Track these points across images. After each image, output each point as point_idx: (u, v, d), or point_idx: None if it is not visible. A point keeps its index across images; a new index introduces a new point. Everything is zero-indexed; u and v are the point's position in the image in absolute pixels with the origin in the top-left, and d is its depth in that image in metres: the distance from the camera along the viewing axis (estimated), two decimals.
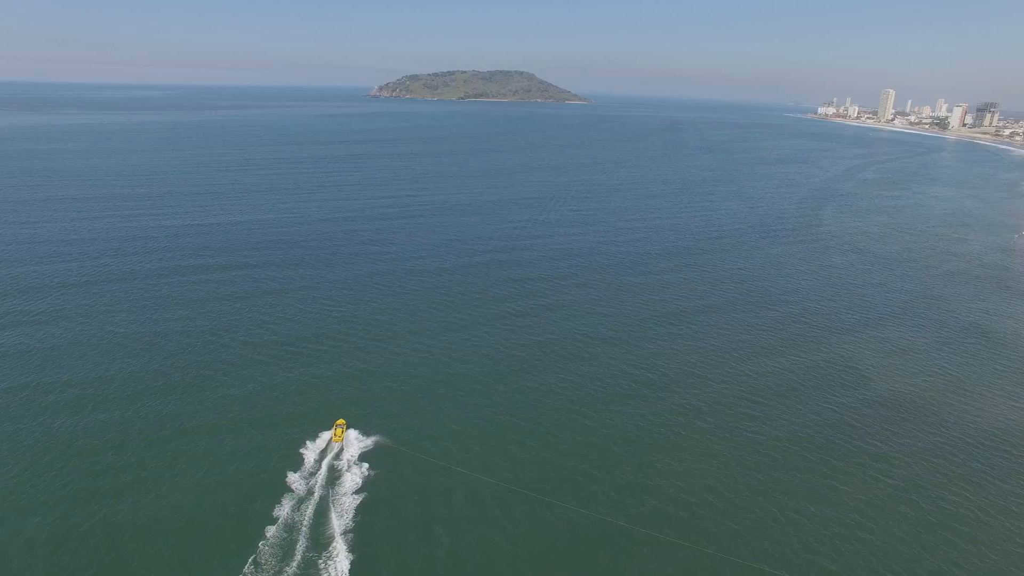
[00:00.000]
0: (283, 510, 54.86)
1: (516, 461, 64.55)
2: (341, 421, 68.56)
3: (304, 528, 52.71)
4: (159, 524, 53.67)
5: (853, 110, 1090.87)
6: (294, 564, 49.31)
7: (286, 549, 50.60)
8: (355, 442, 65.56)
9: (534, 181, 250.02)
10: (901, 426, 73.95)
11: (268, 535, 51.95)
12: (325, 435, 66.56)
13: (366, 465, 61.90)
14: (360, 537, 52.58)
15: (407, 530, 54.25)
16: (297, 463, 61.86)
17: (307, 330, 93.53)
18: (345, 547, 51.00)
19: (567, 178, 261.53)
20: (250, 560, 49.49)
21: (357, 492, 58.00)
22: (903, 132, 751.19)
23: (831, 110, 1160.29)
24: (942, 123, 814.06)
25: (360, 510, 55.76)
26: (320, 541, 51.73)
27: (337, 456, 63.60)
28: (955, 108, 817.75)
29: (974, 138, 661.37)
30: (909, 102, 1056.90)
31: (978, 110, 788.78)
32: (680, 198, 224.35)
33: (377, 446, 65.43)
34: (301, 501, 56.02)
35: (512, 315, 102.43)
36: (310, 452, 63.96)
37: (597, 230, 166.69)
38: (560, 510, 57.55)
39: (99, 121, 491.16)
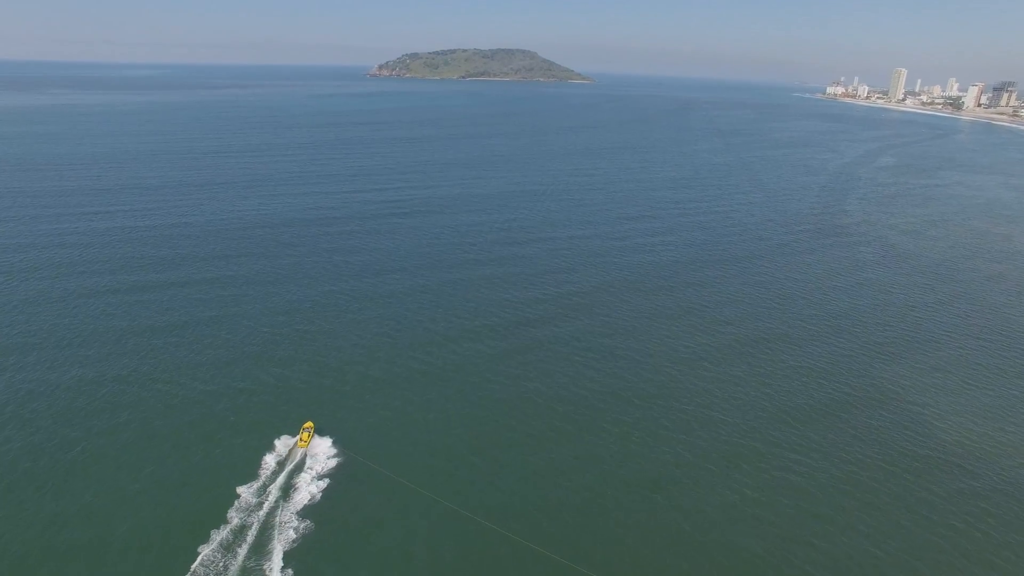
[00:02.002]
0: (232, 521, 50.68)
1: (500, 497, 56.72)
2: (309, 424, 62.53)
3: (249, 540, 48.90)
4: (93, 538, 49.97)
5: (863, 90, 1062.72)
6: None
7: (228, 560, 47.18)
8: (322, 450, 59.84)
9: (535, 170, 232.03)
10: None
11: (207, 549, 48.14)
12: (289, 440, 60.90)
13: (328, 479, 56.37)
14: (305, 553, 48.69)
15: (361, 553, 49.73)
16: (254, 471, 56.89)
17: (256, 370, 77.83)
18: (282, 559, 47.34)
19: (571, 166, 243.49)
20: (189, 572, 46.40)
21: (314, 504, 53.35)
22: (916, 112, 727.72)
23: (840, 90, 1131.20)
24: (956, 103, 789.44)
25: (313, 524, 51.26)
26: (264, 555, 47.90)
27: (300, 465, 57.57)
28: (970, 87, 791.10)
29: (991, 119, 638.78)
30: (919, 81, 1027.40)
31: (995, 89, 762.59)
32: (693, 189, 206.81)
33: (344, 457, 59.27)
34: (251, 511, 51.77)
35: (509, 353, 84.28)
36: (270, 459, 58.32)
37: (605, 232, 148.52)
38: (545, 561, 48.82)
39: (83, 101, 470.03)
